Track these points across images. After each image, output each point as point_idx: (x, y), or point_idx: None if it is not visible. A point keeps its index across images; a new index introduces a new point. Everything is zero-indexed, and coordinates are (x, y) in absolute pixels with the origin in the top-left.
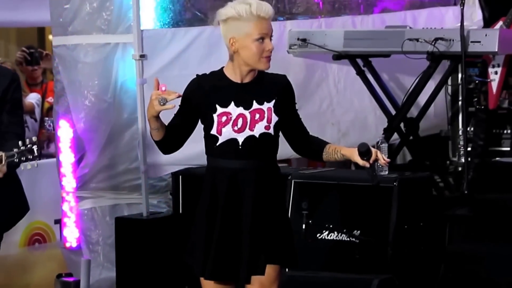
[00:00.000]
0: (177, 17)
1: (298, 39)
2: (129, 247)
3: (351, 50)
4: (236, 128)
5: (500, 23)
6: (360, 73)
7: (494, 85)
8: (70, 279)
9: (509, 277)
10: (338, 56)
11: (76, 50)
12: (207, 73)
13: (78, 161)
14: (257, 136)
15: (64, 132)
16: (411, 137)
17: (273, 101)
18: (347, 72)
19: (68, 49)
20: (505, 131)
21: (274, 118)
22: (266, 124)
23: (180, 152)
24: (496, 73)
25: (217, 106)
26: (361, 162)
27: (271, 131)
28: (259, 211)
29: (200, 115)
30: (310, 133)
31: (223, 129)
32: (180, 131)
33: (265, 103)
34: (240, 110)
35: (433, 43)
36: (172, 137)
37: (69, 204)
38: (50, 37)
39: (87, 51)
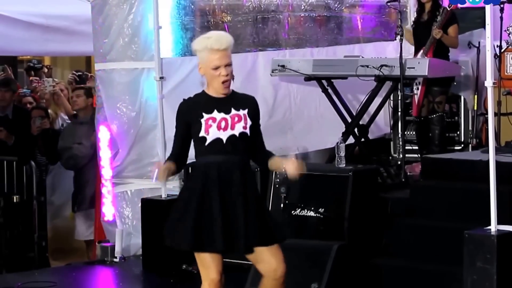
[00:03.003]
0: (185, 48)
1: (278, 65)
2: (152, 221)
3: (318, 73)
4: (221, 128)
5: (421, 51)
6: (325, 91)
7: (416, 98)
8: (108, 244)
9: (436, 247)
10: (308, 78)
11: (113, 73)
12: (192, 96)
13: (114, 156)
14: (237, 134)
15: (103, 135)
16: (362, 139)
17: (247, 109)
18: (303, 90)
19: (107, 73)
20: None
21: (249, 121)
22: (244, 125)
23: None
24: (418, 89)
25: (203, 113)
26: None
27: (247, 131)
28: (247, 193)
29: (191, 126)
30: (275, 137)
31: (210, 130)
32: (185, 149)
33: (241, 110)
34: (222, 114)
35: (379, 69)
36: (183, 160)
37: (106, 189)
38: None
39: (120, 74)
